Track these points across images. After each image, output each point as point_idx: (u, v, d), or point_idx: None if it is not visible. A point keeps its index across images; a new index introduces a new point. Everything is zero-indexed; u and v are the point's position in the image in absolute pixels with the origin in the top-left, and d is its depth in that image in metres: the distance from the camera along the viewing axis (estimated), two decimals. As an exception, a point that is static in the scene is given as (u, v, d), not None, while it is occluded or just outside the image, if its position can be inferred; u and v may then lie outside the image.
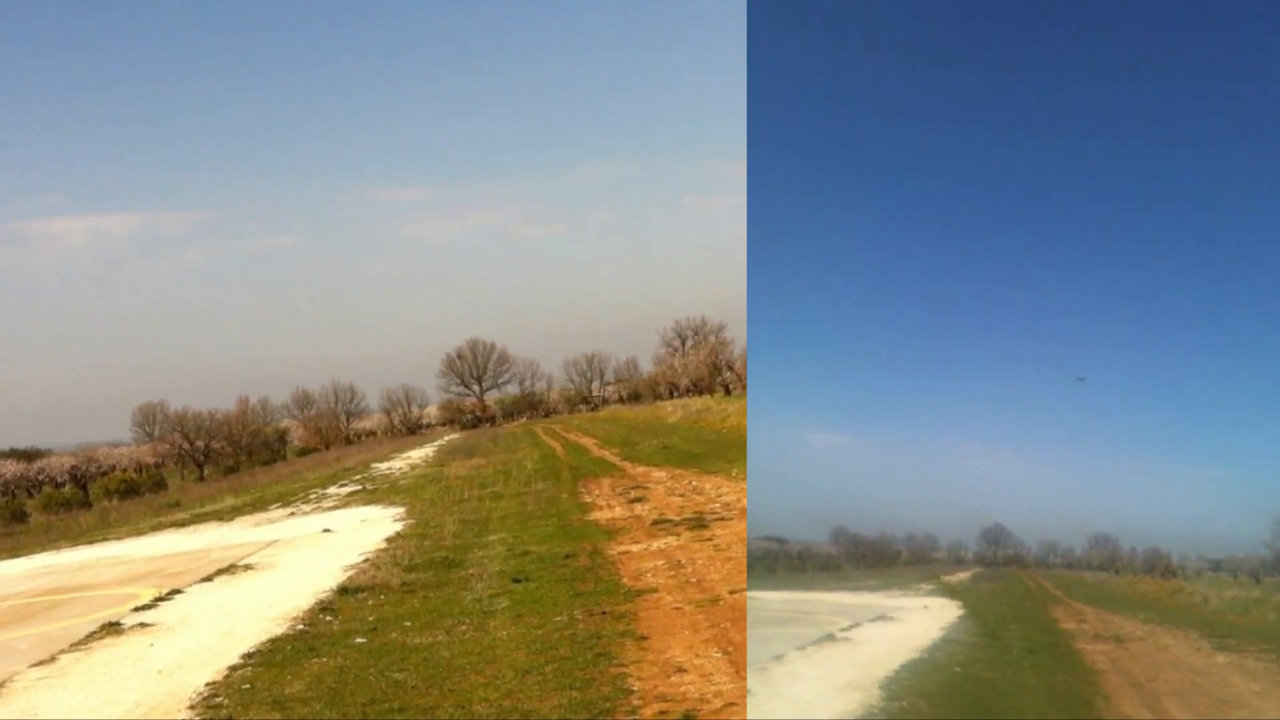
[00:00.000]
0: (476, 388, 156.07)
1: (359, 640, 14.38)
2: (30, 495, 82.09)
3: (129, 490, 69.28)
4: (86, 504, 66.33)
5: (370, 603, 17.13)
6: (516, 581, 17.27)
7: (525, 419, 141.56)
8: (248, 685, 12.40)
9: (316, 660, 13.40)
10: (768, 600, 28.50)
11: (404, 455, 77.64)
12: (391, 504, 35.91)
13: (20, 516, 59.58)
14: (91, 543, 36.84)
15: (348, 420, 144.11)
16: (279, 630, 15.69)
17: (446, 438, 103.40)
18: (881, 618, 23.67)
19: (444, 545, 22.94)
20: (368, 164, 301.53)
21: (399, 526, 28.10)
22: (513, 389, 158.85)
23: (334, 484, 52.55)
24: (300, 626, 15.83)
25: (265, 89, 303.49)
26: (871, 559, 61.25)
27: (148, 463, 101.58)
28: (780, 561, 52.22)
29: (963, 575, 55.00)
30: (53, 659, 15.41)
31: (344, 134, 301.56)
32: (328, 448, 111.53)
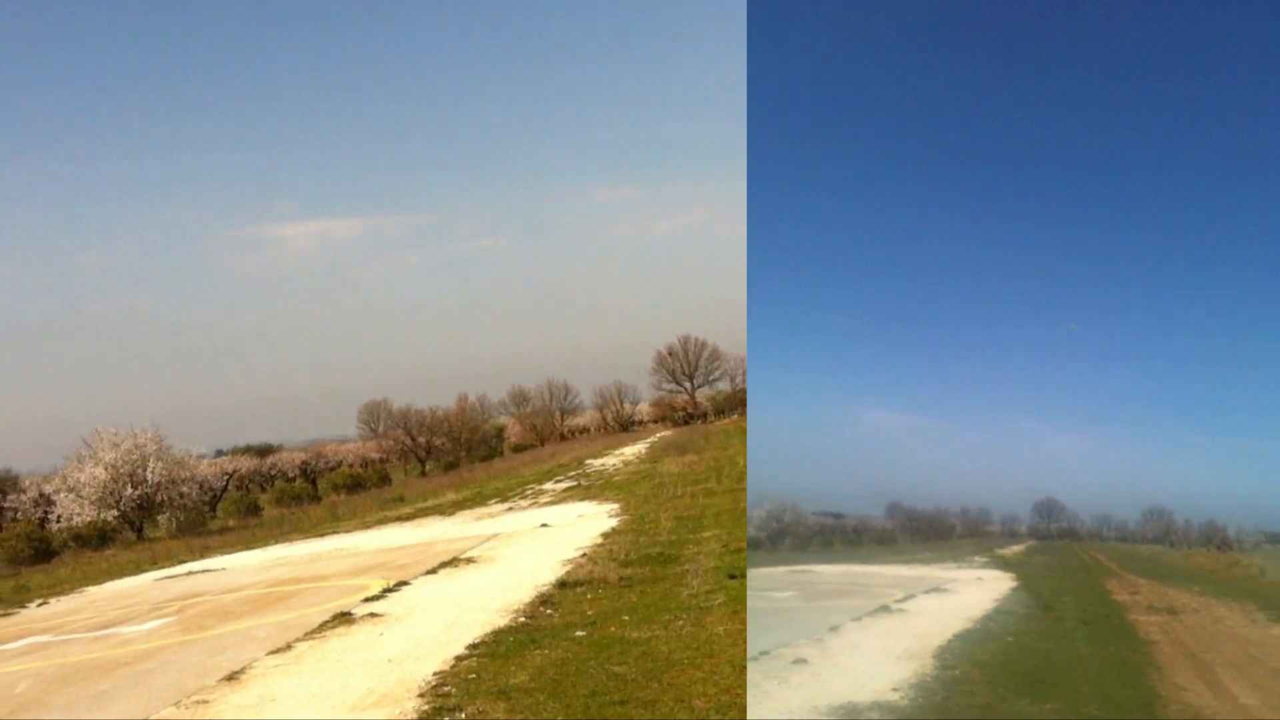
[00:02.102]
0: (688, 384, 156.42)
1: (579, 633, 14.59)
2: (263, 489, 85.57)
3: (355, 485, 71.56)
4: (316, 498, 68.76)
5: (589, 596, 17.36)
6: (732, 578, 17.27)
7: (736, 416, 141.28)
8: (473, 675, 12.70)
9: (538, 652, 13.64)
10: (825, 573, 28.29)
11: (617, 451, 78.34)
12: (606, 500, 36.30)
13: (255, 510, 62.14)
14: (321, 535, 38.22)
15: (562, 417, 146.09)
16: (502, 622, 16.03)
17: (658, 434, 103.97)
18: (936, 589, 23.70)
19: (659, 541, 23.09)
20: (578, 165, 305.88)
21: (614, 522, 28.38)
22: (724, 386, 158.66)
23: (550, 480, 53.39)
24: (522, 619, 16.14)
25: (479, 97, 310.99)
26: (926, 533, 60.16)
27: (372, 458, 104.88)
28: (837, 536, 51.58)
29: (1016, 548, 53.45)
30: (288, 647, 16.03)
31: (555, 137, 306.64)
32: (543, 444, 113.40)
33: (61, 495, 52.94)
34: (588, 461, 68.09)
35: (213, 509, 65.81)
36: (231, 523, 56.03)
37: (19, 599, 29.38)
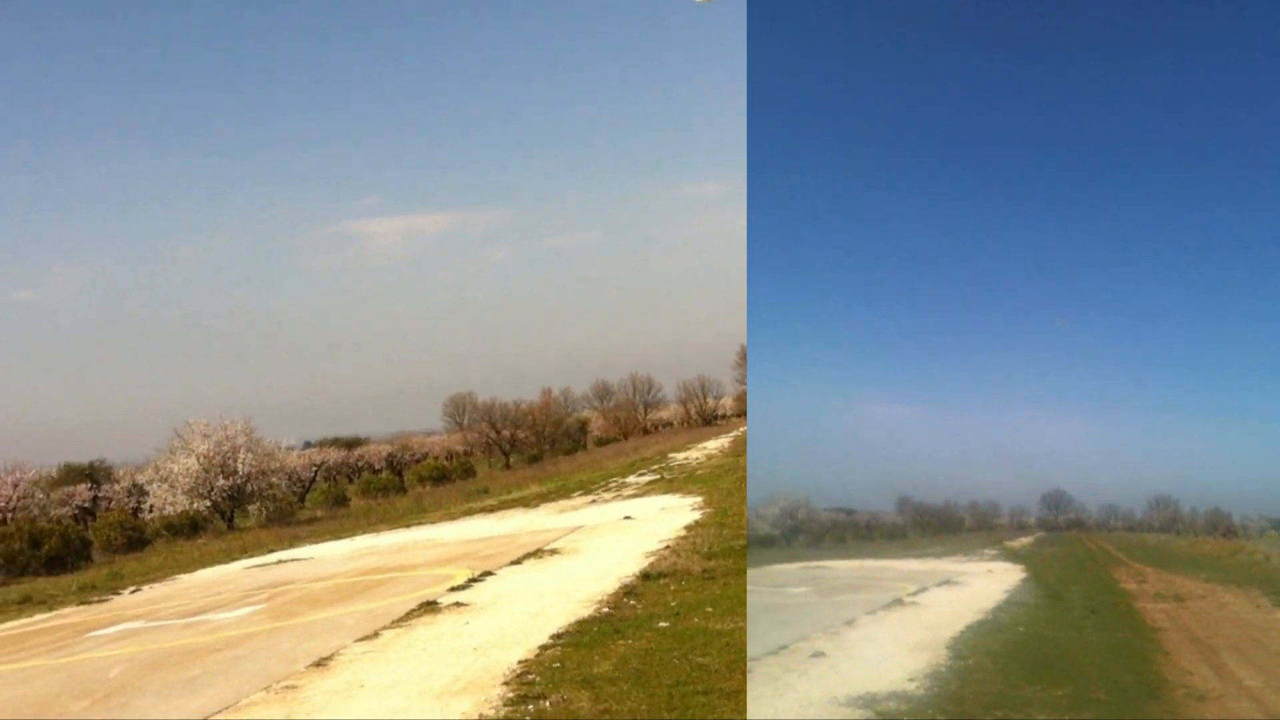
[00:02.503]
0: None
1: (662, 624, 14.58)
2: (350, 481, 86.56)
3: (440, 477, 72.16)
4: (402, 489, 69.45)
5: (672, 588, 17.35)
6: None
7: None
8: (557, 664, 12.74)
9: (622, 642, 13.65)
10: (839, 568, 28.61)
11: (700, 445, 78.28)
12: (689, 493, 36.28)
13: (342, 500, 62.89)
14: (407, 526, 38.61)
15: (645, 411, 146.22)
16: (585, 612, 16.07)
17: (741, 428, 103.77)
18: (947, 582, 24.27)
19: (742, 534, 23.02)
20: (663, 160, 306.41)
21: (697, 515, 28.35)
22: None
23: (633, 473, 53.49)
24: (605, 609, 16.17)
25: (567, 94, 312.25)
26: (936, 526, 60.17)
27: (457, 451, 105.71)
28: (850, 531, 51.79)
29: (1025, 540, 53.39)
30: (376, 634, 16.20)
31: (640, 132, 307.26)
32: (626, 438, 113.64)
33: (154, 485, 53.94)
34: (671, 455, 68.10)
35: (301, 500, 66.72)
36: (319, 513, 56.79)
37: (112, 586, 29.97)
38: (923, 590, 21.41)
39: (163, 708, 12.95)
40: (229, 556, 35.57)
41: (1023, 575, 25.97)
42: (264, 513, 53.71)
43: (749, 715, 9.53)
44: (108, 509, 62.59)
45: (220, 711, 12.32)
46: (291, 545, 36.65)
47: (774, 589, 22.70)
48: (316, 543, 36.66)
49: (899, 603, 18.96)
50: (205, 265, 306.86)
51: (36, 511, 52.22)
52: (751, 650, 12.57)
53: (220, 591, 25.30)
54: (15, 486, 53.66)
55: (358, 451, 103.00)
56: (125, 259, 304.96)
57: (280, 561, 31.26)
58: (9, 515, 51.41)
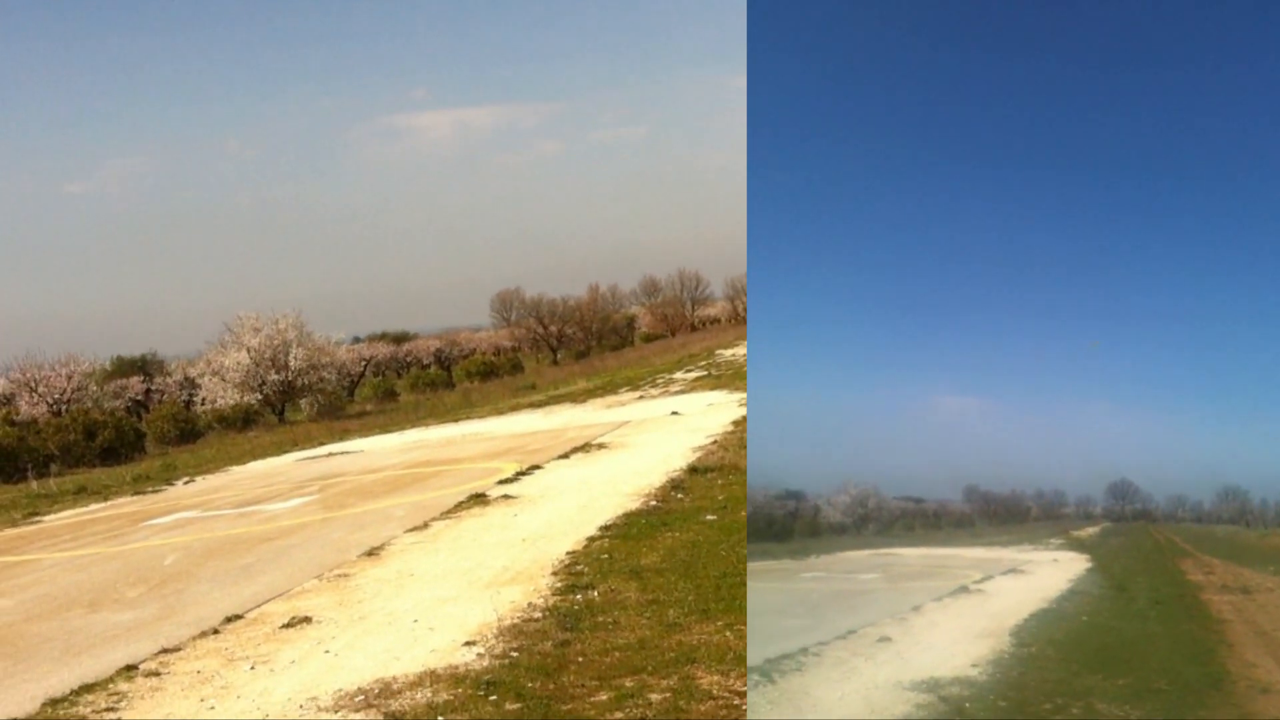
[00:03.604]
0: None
1: (709, 517, 14.62)
2: (399, 376, 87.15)
3: (488, 372, 72.46)
4: (450, 384, 69.82)
5: (719, 482, 17.39)
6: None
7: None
8: (605, 555, 12.82)
9: (669, 534, 13.71)
10: (907, 556, 29.04)
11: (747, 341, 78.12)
12: (736, 389, 36.25)
13: (391, 395, 63.40)
14: (456, 421, 38.86)
15: (693, 307, 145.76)
16: (633, 505, 16.15)
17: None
18: (1012, 571, 24.29)
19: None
20: (712, 54, 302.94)
21: (744, 411, 28.34)
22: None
23: (680, 369, 53.52)
24: (653, 502, 16.24)
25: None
26: (1003, 516, 60.74)
27: (505, 346, 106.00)
28: (918, 520, 52.39)
29: (1091, 530, 53.68)
30: (425, 525, 16.35)
31: (688, 25, 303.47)
32: (673, 334, 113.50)
33: (206, 379, 54.46)
34: (718, 351, 67.98)
35: (351, 394, 67.31)
36: (369, 407, 57.26)
37: (166, 477, 30.41)
38: (988, 578, 21.62)
39: (218, 594, 13.15)
40: (280, 449, 35.98)
41: (1088, 565, 26.09)
42: (314, 406, 54.20)
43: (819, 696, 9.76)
44: (160, 402, 63.46)
45: (274, 598, 12.50)
46: (342, 439, 37.02)
47: (844, 575, 23.02)
48: (366, 436, 37.01)
49: (964, 590, 19.17)
50: (255, 160, 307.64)
51: (90, 404, 52.88)
52: (819, 635, 12.82)
53: (272, 483, 25.62)
54: (69, 379, 54.38)
55: (406, 347, 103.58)
56: (175, 153, 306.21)
57: (331, 454, 31.61)
58: (63, 407, 52.19)
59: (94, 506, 25.13)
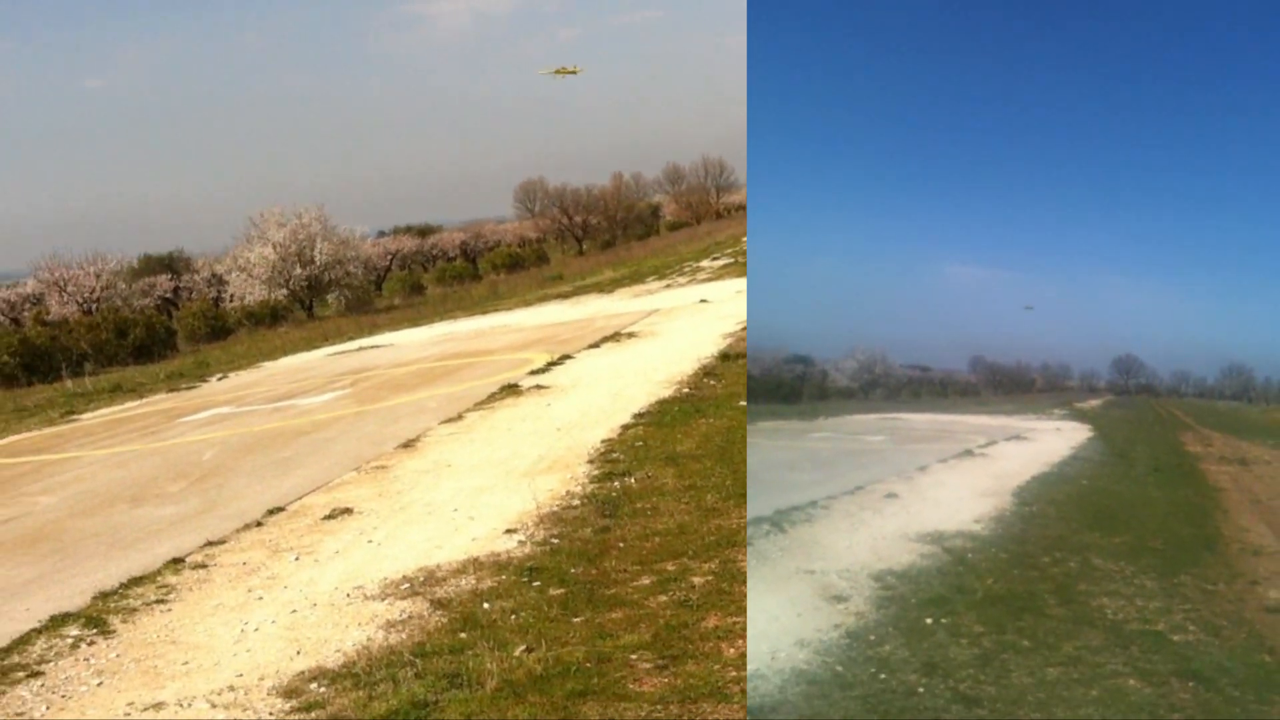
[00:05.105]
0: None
1: (742, 403, 14.66)
2: (425, 269, 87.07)
3: (514, 264, 72.30)
4: (476, 277, 69.75)
5: (751, 368, 17.40)
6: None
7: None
8: (640, 442, 12.88)
9: (703, 420, 13.76)
10: (914, 420, 29.26)
11: (773, 228, 77.59)
12: (764, 275, 36.09)
13: (419, 289, 63.36)
14: (484, 313, 38.92)
15: (718, 194, 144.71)
16: (666, 393, 16.20)
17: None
18: (1016, 437, 25.00)
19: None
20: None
21: (774, 297, 28.26)
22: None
23: (706, 257, 53.37)
24: (686, 390, 16.29)
25: None
26: (1008, 386, 61.10)
27: (530, 237, 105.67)
28: (925, 388, 52.69)
29: (1094, 402, 54.06)
30: (460, 416, 16.45)
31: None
32: (698, 222, 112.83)
33: (233, 275, 54.51)
34: (744, 238, 67.68)
35: (378, 288, 67.32)
36: (397, 301, 57.30)
37: (199, 373, 30.61)
38: (992, 443, 22.18)
39: (258, 487, 13.30)
40: (310, 344, 36.11)
41: (1090, 434, 26.58)
42: (342, 301, 54.30)
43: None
44: (189, 299, 63.65)
45: (313, 490, 12.63)
46: (371, 333, 37.11)
47: (851, 435, 23.25)
48: (395, 330, 37.09)
49: (969, 453, 19.72)
50: (271, 50, 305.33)
51: (120, 302, 53.06)
52: (829, 489, 13.17)
53: (305, 378, 25.76)
54: (98, 277, 54.48)
55: (431, 240, 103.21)
56: (190, 46, 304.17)
57: (361, 349, 31.70)
58: (93, 306, 52.43)
59: (129, 404, 25.34)
